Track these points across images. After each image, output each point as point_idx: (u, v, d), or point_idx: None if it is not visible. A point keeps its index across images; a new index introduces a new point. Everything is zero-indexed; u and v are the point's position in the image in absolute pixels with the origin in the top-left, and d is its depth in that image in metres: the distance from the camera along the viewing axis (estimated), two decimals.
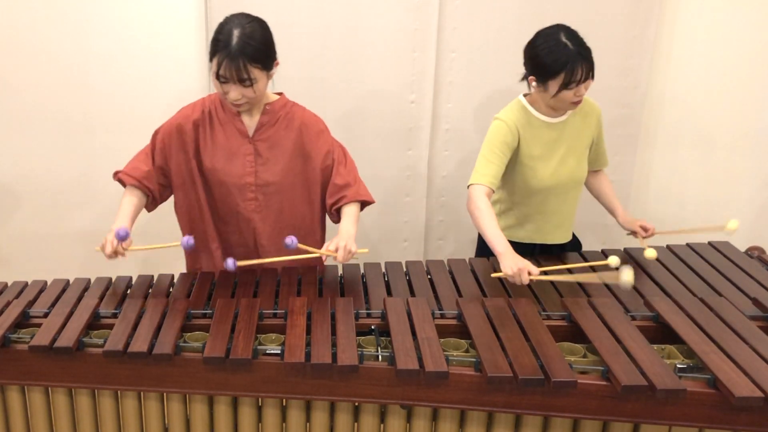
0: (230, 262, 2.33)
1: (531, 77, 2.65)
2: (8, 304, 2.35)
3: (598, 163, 2.93)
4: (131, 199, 2.62)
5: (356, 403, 2.08)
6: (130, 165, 2.65)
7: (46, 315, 2.29)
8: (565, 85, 2.54)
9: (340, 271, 2.63)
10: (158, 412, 2.17)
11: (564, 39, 2.54)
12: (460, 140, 3.58)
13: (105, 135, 3.45)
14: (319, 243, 2.73)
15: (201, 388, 2.08)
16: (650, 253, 2.61)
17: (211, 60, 2.41)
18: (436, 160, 3.62)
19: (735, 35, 3.47)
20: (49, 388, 2.19)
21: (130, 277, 2.57)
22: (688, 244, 2.86)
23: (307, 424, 2.13)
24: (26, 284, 2.55)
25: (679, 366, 2.02)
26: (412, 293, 2.46)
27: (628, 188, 3.02)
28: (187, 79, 3.37)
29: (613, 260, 2.50)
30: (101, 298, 2.41)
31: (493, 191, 2.65)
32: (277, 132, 2.57)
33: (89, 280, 2.57)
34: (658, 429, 1.98)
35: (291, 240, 2.32)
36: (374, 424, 2.10)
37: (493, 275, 2.46)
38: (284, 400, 2.12)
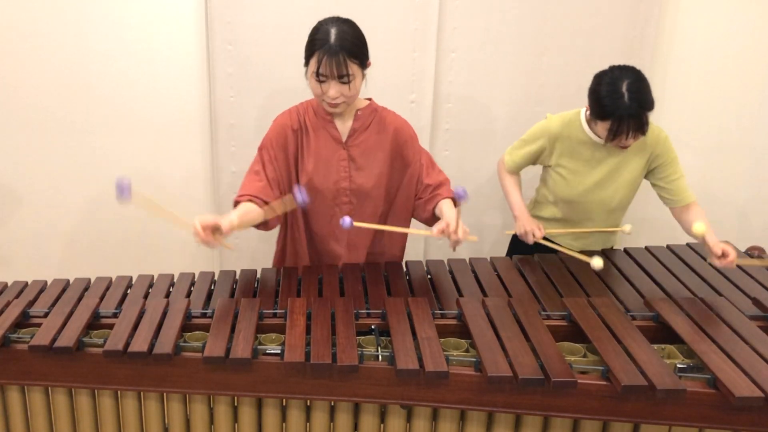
0: (347, 221, 2.33)
1: (587, 106, 2.65)
2: (8, 304, 2.35)
3: (679, 198, 2.75)
4: (241, 206, 2.46)
5: (356, 403, 2.09)
6: (241, 188, 2.54)
7: (46, 315, 2.30)
8: (611, 133, 2.53)
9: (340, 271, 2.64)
10: (158, 412, 2.18)
11: (624, 89, 2.48)
12: (460, 140, 3.58)
13: (105, 135, 3.45)
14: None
15: (201, 388, 2.09)
16: (698, 228, 2.51)
17: (307, 62, 2.42)
18: (437, 159, 3.58)
19: (734, 36, 3.48)
20: (49, 388, 2.20)
21: (131, 277, 2.58)
22: (688, 244, 2.88)
23: (307, 424, 2.14)
24: (26, 284, 2.56)
25: (679, 366, 2.04)
26: (413, 293, 2.47)
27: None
28: (187, 81, 3.38)
29: (627, 227, 2.61)
30: (101, 298, 2.42)
31: (516, 175, 2.99)
32: (370, 137, 2.58)
33: (89, 280, 2.57)
34: (658, 429, 1.99)
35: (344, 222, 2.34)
36: (374, 424, 2.11)
37: (507, 232, 2.92)
38: (284, 400, 2.12)
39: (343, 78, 2.38)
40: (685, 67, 3.49)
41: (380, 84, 3.38)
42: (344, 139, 2.57)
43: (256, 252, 3.58)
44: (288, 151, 2.57)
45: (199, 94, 3.38)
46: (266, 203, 2.48)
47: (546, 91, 3.45)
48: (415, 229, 2.59)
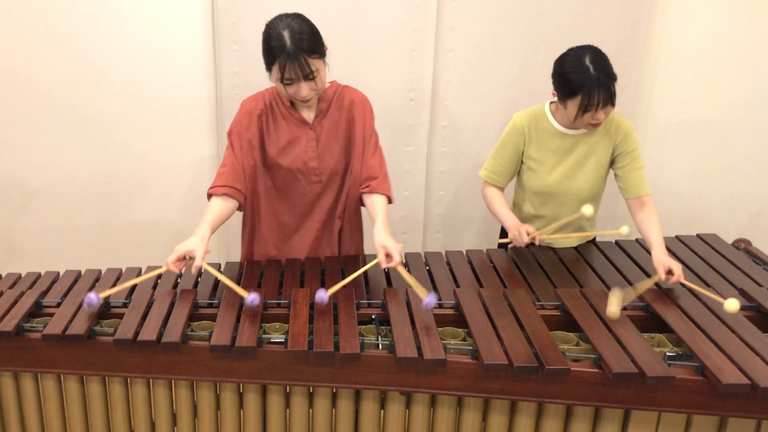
0: (322, 295, 2.23)
1: (553, 92, 2.68)
2: (22, 294, 2.37)
3: (633, 189, 2.73)
4: (213, 207, 2.53)
5: (357, 390, 2.11)
6: (216, 178, 2.60)
7: (58, 305, 2.32)
8: (582, 108, 2.55)
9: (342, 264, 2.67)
10: (166, 398, 2.20)
11: (588, 62, 2.52)
12: (457, 137, 3.60)
13: (115, 131, 3.47)
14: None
15: (208, 376, 2.12)
16: (730, 306, 2.21)
17: (269, 69, 2.42)
18: (435, 156, 3.64)
19: (722, 35, 3.50)
20: (62, 376, 2.22)
21: (140, 269, 2.58)
22: (677, 237, 2.91)
23: (310, 410, 2.16)
24: (39, 275, 2.58)
25: (668, 354, 2.06)
26: None
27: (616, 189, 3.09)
28: (194, 79, 3.40)
29: (624, 229, 2.57)
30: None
31: (499, 187, 2.90)
32: (332, 115, 2.62)
33: (100, 271, 2.60)
34: (648, 415, 2.01)
35: (320, 297, 2.24)
36: (375, 410, 2.13)
37: (500, 241, 2.73)
38: (288, 387, 2.15)
39: (309, 76, 2.40)
40: (675, 66, 3.51)
41: (380, 82, 3.42)
42: (311, 120, 2.61)
43: None
44: (252, 134, 2.60)
45: (205, 92, 3.40)
46: (238, 190, 2.57)
47: (541, 89, 3.45)
48: (367, 265, 2.47)
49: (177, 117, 3.44)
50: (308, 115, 2.61)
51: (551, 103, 2.78)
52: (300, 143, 2.61)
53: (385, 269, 2.53)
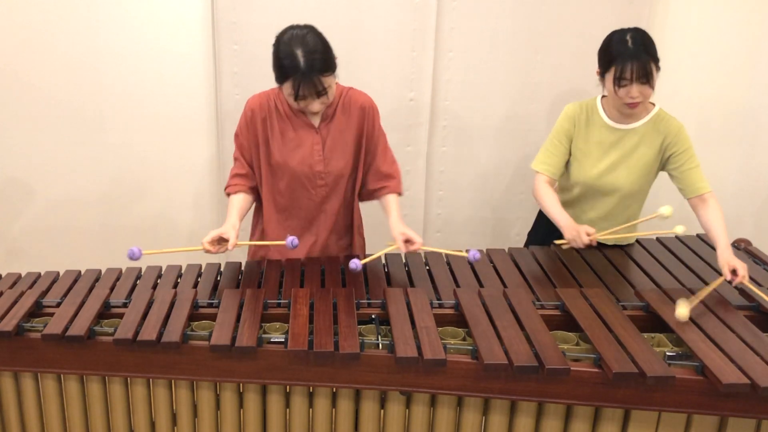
0: (357, 263, 2.40)
1: (597, 70, 2.69)
2: (22, 294, 2.37)
3: (692, 188, 2.71)
4: (235, 200, 2.68)
5: (357, 390, 2.11)
6: (230, 177, 2.72)
7: (58, 305, 2.32)
8: (616, 81, 2.57)
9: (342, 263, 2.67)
10: (166, 398, 2.20)
11: (628, 37, 2.56)
12: (457, 137, 3.61)
13: (116, 131, 3.48)
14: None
15: (208, 375, 2.12)
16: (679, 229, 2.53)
17: (280, 84, 2.44)
18: (435, 156, 3.65)
19: (722, 35, 3.50)
20: (62, 375, 2.22)
21: (140, 268, 2.59)
22: (677, 237, 2.90)
23: (310, 410, 2.16)
24: (39, 275, 2.58)
25: (668, 354, 2.06)
26: (411, 284, 2.51)
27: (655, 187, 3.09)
28: (195, 79, 3.40)
29: (665, 210, 2.57)
30: (112, 289, 2.44)
31: (554, 179, 2.85)
32: (339, 119, 2.62)
33: (100, 271, 2.60)
34: (648, 415, 2.01)
35: (355, 264, 2.40)
36: (375, 410, 2.13)
37: (557, 242, 2.69)
38: (288, 387, 2.15)
39: (322, 93, 2.42)
40: (674, 65, 3.49)
41: (380, 82, 3.42)
42: (317, 123, 2.61)
43: None
44: (257, 135, 2.62)
45: (205, 92, 3.41)
46: (251, 188, 2.69)
47: (540, 89, 3.48)
48: (388, 249, 2.60)
49: (177, 117, 3.45)
50: (314, 118, 2.61)
51: (603, 96, 2.78)
52: (305, 146, 2.62)
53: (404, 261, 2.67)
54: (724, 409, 1.95)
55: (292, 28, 2.44)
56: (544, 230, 3.00)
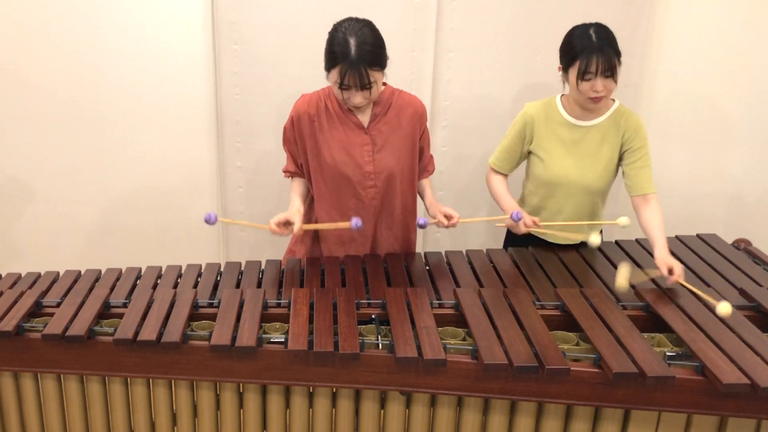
0: (358, 221, 2.48)
1: (559, 66, 2.69)
2: (22, 294, 2.37)
3: (639, 186, 2.71)
4: (296, 184, 2.77)
5: (357, 390, 2.12)
6: (287, 161, 2.78)
7: (58, 305, 2.32)
8: (580, 75, 2.56)
9: (342, 264, 2.68)
10: (166, 398, 2.21)
11: (591, 32, 2.58)
12: (457, 137, 3.60)
13: (116, 131, 3.47)
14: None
15: (208, 375, 2.12)
16: (723, 309, 2.19)
17: (328, 71, 2.45)
18: (435, 156, 3.64)
19: (722, 35, 3.49)
20: (62, 376, 2.22)
21: (140, 269, 2.60)
22: (677, 237, 2.91)
23: (310, 410, 2.17)
24: (39, 275, 2.59)
25: (668, 354, 2.07)
26: (411, 284, 2.51)
27: (619, 184, 3.07)
28: (195, 79, 3.39)
29: (622, 220, 2.59)
30: (112, 289, 2.44)
31: (503, 174, 2.92)
32: (390, 120, 2.63)
33: (100, 271, 2.60)
34: (648, 415, 2.01)
35: (423, 221, 2.59)
36: (375, 410, 2.13)
37: (498, 225, 2.77)
38: (288, 387, 2.15)
39: (367, 86, 2.42)
40: (674, 66, 3.50)
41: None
42: (366, 125, 2.62)
43: (263, 243, 3.62)
44: (303, 134, 2.64)
45: (205, 92, 3.40)
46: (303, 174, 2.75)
47: (540, 89, 3.47)
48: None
49: (177, 117, 3.44)
50: (363, 118, 2.62)
51: (562, 95, 2.79)
52: (355, 147, 2.62)
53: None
54: (724, 409, 1.95)
55: (351, 19, 2.48)
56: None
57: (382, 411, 2.15)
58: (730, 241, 2.88)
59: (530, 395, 2.01)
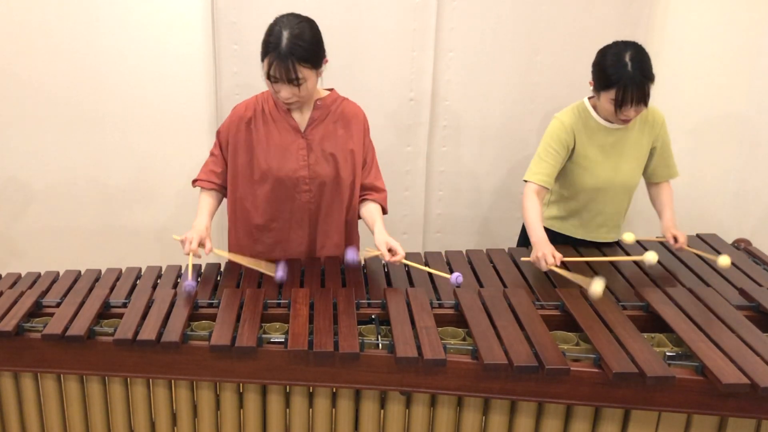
0: (353, 256, 2.44)
1: (590, 81, 2.69)
2: (22, 294, 2.38)
3: (664, 173, 2.89)
4: (207, 200, 2.71)
5: (357, 390, 2.12)
6: (204, 171, 2.75)
7: (58, 305, 2.33)
8: (614, 102, 2.57)
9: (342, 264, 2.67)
10: (166, 398, 2.21)
11: (627, 59, 2.53)
12: (457, 137, 3.61)
13: (115, 131, 3.48)
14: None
15: (208, 375, 2.12)
16: (723, 261, 2.54)
17: (262, 61, 2.43)
18: (435, 156, 3.65)
19: (723, 35, 3.50)
20: (62, 376, 2.22)
21: (140, 268, 2.60)
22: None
23: (310, 410, 2.16)
24: (39, 275, 2.59)
25: (668, 354, 2.07)
26: (411, 284, 2.51)
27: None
28: (194, 79, 3.40)
29: (650, 255, 2.55)
30: (111, 289, 2.44)
31: (547, 189, 2.77)
32: (327, 126, 2.62)
33: (100, 271, 2.60)
34: (648, 415, 2.01)
35: (352, 256, 2.43)
36: (375, 410, 2.13)
37: (523, 259, 2.64)
38: (288, 387, 2.15)
39: (293, 81, 2.40)
40: (675, 65, 3.50)
41: (380, 82, 3.42)
42: (303, 128, 2.61)
43: None
44: (239, 139, 2.63)
45: (205, 92, 3.41)
46: (221, 186, 2.73)
47: (539, 90, 3.48)
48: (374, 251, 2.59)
49: (177, 117, 3.45)
50: (301, 121, 2.61)
51: (590, 98, 2.78)
52: (291, 150, 2.61)
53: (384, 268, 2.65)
54: (724, 409, 1.95)
55: (292, 14, 2.46)
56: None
57: (382, 411, 2.15)
58: (730, 241, 2.88)
59: (530, 395, 2.00)
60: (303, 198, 2.65)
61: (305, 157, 2.61)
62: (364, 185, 2.73)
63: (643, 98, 2.55)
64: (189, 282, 2.36)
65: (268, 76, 2.42)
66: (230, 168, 2.68)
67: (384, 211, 2.74)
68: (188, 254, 2.46)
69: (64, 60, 3.33)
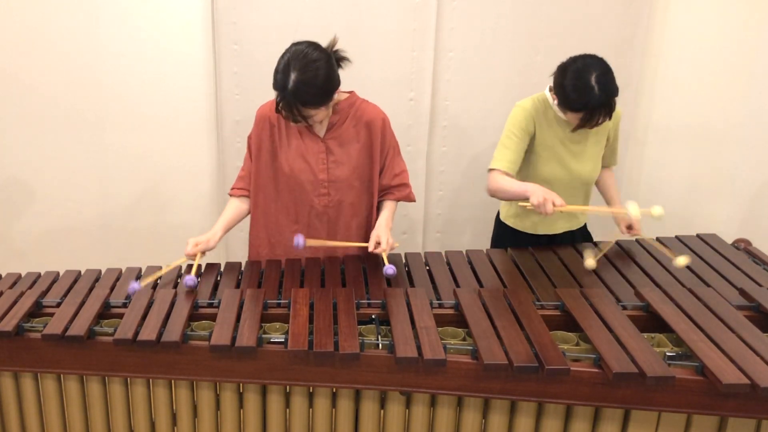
0: (300, 240, 2.46)
1: (551, 87, 2.71)
2: (22, 294, 2.38)
3: (609, 160, 3.00)
4: (231, 207, 2.75)
5: (357, 390, 2.12)
6: (237, 179, 2.78)
7: (58, 305, 2.33)
8: (583, 121, 2.58)
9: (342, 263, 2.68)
10: (166, 398, 2.21)
11: (593, 82, 2.51)
12: (457, 136, 3.61)
13: (116, 132, 3.48)
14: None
15: (208, 375, 2.12)
16: (681, 261, 2.47)
17: (273, 88, 2.43)
18: (435, 156, 3.65)
19: (722, 35, 3.50)
20: (62, 376, 2.23)
21: (140, 268, 2.59)
22: (677, 237, 2.91)
23: (310, 410, 2.16)
24: (39, 275, 2.59)
25: (668, 354, 2.06)
26: (412, 284, 2.51)
27: (619, 183, 3.08)
28: (195, 79, 3.40)
29: (656, 210, 2.48)
30: (111, 289, 2.45)
31: (511, 175, 2.76)
32: (347, 130, 2.63)
33: (100, 271, 2.60)
34: (648, 415, 2.01)
35: (298, 241, 2.46)
36: (375, 410, 2.13)
37: (521, 204, 2.62)
38: (288, 387, 2.15)
39: (299, 121, 2.44)
40: (675, 66, 3.51)
41: (380, 82, 3.42)
42: (322, 133, 2.62)
43: None
44: (264, 139, 2.65)
45: (205, 92, 3.41)
46: (247, 190, 2.74)
47: (540, 89, 3.46)
48: (358, 244, 2.69)
49: (177, 117, 3.45)
50: (319, 127, 2.63)
51: (551, 89, 2.79)
52: (310, 154, 2.63)
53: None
54: (724, 409, 1.95)
55: (309, 45, 2.43)
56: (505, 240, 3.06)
57: (382, 411, 2.15)
58: (730, 241, 2.87)
59: (530, 395, 2.00)
60: (322, 201, 2.67)
61: (324, 160, 2.63)
62: (383, 185, 2.74)
63: (609, 114, 2.58)
64: (189, 277, 2.41)
65: (276, 108, 2.45)
66: (254, 167, 2.69)
67: (409, 200, 2.82)
68: (188, 255, 2.53)
69: (64, 60, 3.33)
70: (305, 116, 2.42)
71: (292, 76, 2.34)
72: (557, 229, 2.99)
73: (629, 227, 2.79)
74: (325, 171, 2.64)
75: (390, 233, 2.63)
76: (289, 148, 2.63)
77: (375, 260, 2.66)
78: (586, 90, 2.52)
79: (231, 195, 2.77)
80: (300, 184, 2.65)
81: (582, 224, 3.06)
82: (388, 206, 2.75)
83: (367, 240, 2.65)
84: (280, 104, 2.41)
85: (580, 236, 3.05)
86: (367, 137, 2.65)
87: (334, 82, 2.44)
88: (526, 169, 2.88)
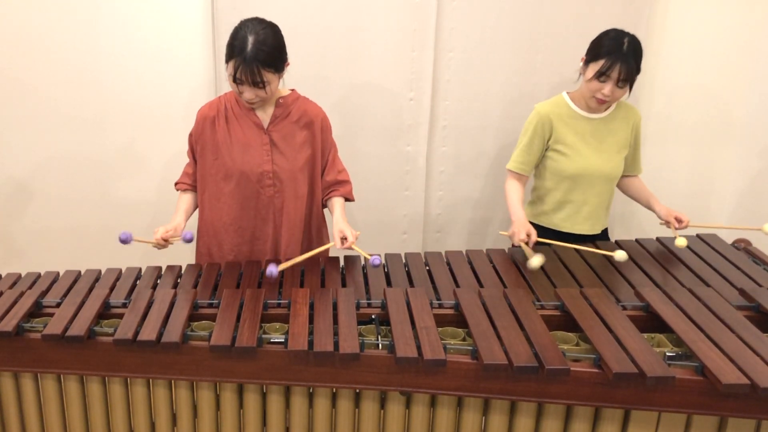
0: (272, 269, 2.43)
1: (583, 57, 2.82)
2: (22, 294, 2.38)
3: (632, 169, 3.08)
4: (185, 199, 2.85)
5: (357, 390, 2.11)
6: (182, 174, 2.88)
7: (58, 305, 2.33)
8: (599, 74, 2.71)
9: (342, 263, 2.68)
10: (166, 398, 2.21)
11: (625, 40, 2.71)
12: (457, 136, 3.60)
13: (115, 131, 3.47)
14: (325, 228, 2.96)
15: (208, 376, 2.12)
16: (680, 242, 2.74)
17: (226, 63, 2.54)
18: (434, 156, 3.65)
19: (723, 34, 3.50)
20: (62, 376, 2.22)
21: (140, 269, 2.60)
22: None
23: (310, 410, 2.16)
24: (39, 275, 2.59)
25: (668, 354, 2.06)
26: (411, 284, 2.51)
27: None
28: (195, 77, 3.39)
29: (620, 254, 2.56)
30: (111, 289, 2.45)
31: (524, 176, 3.01)
32: (289, 124, 2.72)
33: (100, 271, 2.60)
34: (648, 415, 2.00)
35: (270, 271, 2.44)
36: (375, 410, 2.13)
37: (501, 233, 2.87)
38: (288, 387, 2.15)
39: (258, 84, 2.51)
40: (675, 65, 3.51)
41: (380, 82, 3.42)
42: (266, 125, 2.70)
43: None
44: (205, 139, 2.73)
45: (205, 92, 3.40)
46: (194, 186, 2.85)
47: (540, 90, 3.48)
48: (322, 247, 2.72)
49: (177, 117, 3.44)
50: (263, 118, 2.71)
51: (567, 92, 2.94)
52: (254, 146, 2.70)
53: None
54: (724, 409, 1.95)
55: (257, 19, 2.58)
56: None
57: (382, 411, 2.14)
58: (730, 241, 2.87)
59: (530, 395, 2.00)
60: (267, 193, 2.73)
61: (269, 152, 2.70)
62: (327, 182, 2.85)
63: (626, 80, 2.71)
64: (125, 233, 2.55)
65: (234, 79, 2.52)
66: (199, 168, 2.78)
67: (348, 199, 2.88)
68: (156, 241, 2.62)
69: (63, 60, 3.33)
70: (264, 81, 2.51)
71: (250, 39, 2.49)
72: (582, 229, 3.03)
73: (678, 219, 2.91)
74: (270, 162, 2.70)
75: (349, 226, 2.68)
76: (232, 142, 2.70)
77: (352, 259, 2.72)
78: (617, 43, 2.70)
79: (178, 189, 2.87)
80: (244, 176, 2.71)
81: (602, 228, 3.09)
82: (338, 202, 2.83)
83: (314, 231, 2.86)
84: (239, 70, 2.49)
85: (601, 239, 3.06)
86: (309, 132, 2.74)
87: (284, 49, 2.60)
88: (551, 169, 2.97)
